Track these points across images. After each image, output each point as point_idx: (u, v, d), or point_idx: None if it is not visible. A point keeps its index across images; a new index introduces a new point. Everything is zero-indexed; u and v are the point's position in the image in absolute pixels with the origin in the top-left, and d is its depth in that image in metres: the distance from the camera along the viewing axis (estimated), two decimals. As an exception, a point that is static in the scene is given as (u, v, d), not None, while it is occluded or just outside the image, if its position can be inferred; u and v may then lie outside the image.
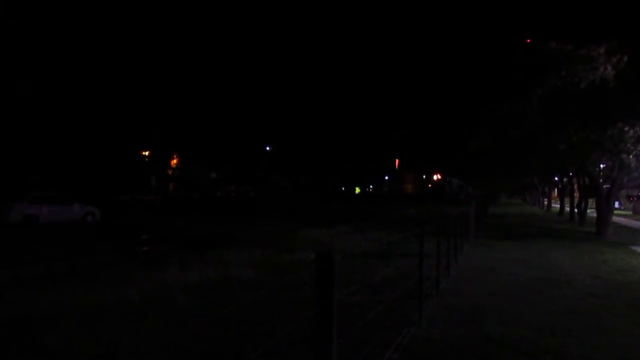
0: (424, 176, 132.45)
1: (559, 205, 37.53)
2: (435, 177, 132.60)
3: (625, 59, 14.27)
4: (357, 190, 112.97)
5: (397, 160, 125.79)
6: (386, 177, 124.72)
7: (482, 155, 28.38)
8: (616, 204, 31.60)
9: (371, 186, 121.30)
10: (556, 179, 36.56)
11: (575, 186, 30.28)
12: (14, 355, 4.94)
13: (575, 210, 28.15)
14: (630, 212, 38.78)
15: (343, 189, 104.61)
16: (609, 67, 14.28)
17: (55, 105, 38.06)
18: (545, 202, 47.53)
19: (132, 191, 50.21)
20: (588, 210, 26.69)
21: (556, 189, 42.32)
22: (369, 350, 4.52)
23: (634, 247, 15.14)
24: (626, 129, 14.65)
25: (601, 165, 20.74)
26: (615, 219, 22.11)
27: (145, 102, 46.86)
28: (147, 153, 57.65)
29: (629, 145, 15.72)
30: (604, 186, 19.92)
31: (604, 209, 18.88)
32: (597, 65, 14.31)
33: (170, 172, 66.66)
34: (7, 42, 33.18)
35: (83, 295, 7.05)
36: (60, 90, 38.45)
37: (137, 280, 8.07)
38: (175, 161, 66.38)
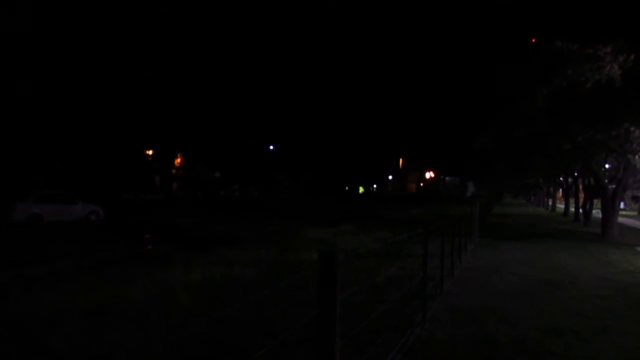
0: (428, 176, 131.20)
1: (563, 206, 37.38)
2: (428, 175, 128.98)
3: (632, 58, 14.17)
4: (361, 189, 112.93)
5: (401, 160, 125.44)
6: (390, 177, 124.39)
7: (487, 154, 28.29)
8: (621, 205, 31.45)
9: (375, 186, 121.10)
10: (561, 179, 36.42)
11: (580, 186, 30.14)
12: (16, 354, 4.93)
13: (580, 210, 28.02)
14: (635, 213, 38.58)
15: (347, 188, 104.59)
16: (616, 67, 14.18)
17: (59, 104, 38.15)
18: (550, 203, 47.34)
19: (136, 190, 50.35)
20: (593, 211, 26.56)
21: (561, 189, 42.14)
22: (373, 351, 4.49)
23: (639, 248, 15.04)
24: (632, 129, 14.56)
25: (606, 166, 20.62)
26: (620, 219, 21.99)
27: (149, 101, 46.91)
28: (151, 152, 57.76)
29: (634, 145, 15.62)
30: (609, 187, 19.81)
31: (609, 210, 18.78)
32: (604, 65, 14.21)
33: (174, 171, 66.77)
34: (9, 41, 33.28)
35: (86, 294, 7.05)
36: (64, 89, 38.54)
37: (140, 279, 8.06)
38: (179, 160, 66.47)
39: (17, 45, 33.93)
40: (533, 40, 18.57)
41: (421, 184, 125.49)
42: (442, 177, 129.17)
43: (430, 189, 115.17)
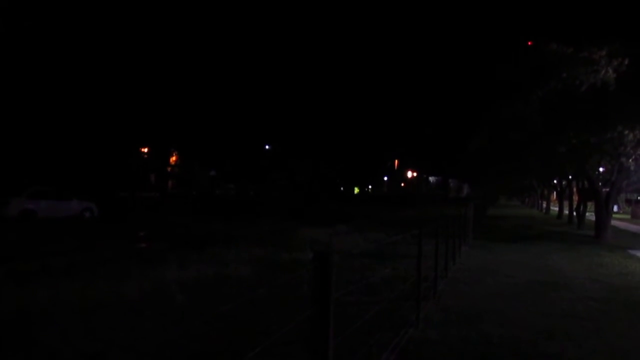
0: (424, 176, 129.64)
1: (557, 208, 37.52)
2: (409, 174, 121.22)
3: (627, 61, 14.23)
4: (356, 190, 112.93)
5: (396, 161, 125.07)
6: (385, 178, 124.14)
7: (481, 156, 28.36)
8: (615, 208, 31.58)
9: (370, 186, 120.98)
10: (555, 181, 36.55)
11: (575, 189, 30.27)
12: (8, 351, 4.91)
13: (574, 213, 28.14)
14: (628, 216, 38.77)
15: (342, 188, 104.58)
16: (610, 70, 14.24)
17: (54, 100, 37.99)
18: (544, 205, 47.52)
19: (131, 188, 50.15)
20: (587, 214, 26.67)
21: (555, 192, 42.31)
22: (366, 351, 4.50)
23: (632, 251, 15.12)
24: (626, 132, 14.62)
25: (600, 169, 20.71)
26: (613, 222, 22.08)
27: (144, 99, 46.81)
28: (146, 150, 57.58)
29: (628, 148, 15.71)
30: (603, 189, 19.90)
31: (603, 213, 18.86)
32: (598, 68, 14.27)
33: (169, 169, 66.62)
34: (7, 37, 33.14)
35: (80, 291, 7.02)
36: (60, 86, 38.38)
37: (135, 277, 8.04)
38: (174, 158, 66.33)
39: (14, 42, 33.78)
40: (529, 42, 18.62)
41: (402, 184, 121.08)
42: (424, 176, 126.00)
43: (412, 190, 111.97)
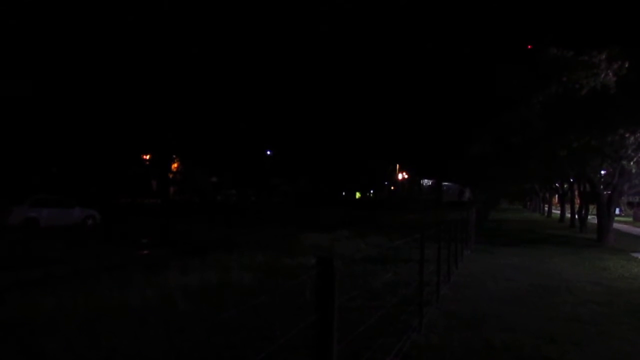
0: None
1: (559, 212, 37.49)
2: (400, 177, 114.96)
3: (627, 65, 14.27)
4: (358, 195, 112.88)
5: (397, 165, 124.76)
6: (386, 182, 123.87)
7: (482, 160, 28.38)
8: (617, 211, 31.55)
9: (372, 191, 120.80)
10: (557, 185, 36.54)
11: (576, 192, 30.25)
12: (13, 359, 4.93)
13: (576, 216, 28.11)
14: (631, 219, 38.71)
15: (343, 194, 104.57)
16: (610, 74, 14.28)
17: (56, 107, 38.09)
18: (546, 208, 47.48)
19: (133, 195, 50.19)
20: (589, 217, 26.65)
21: (557, 195, 42.26)
22: (369, 356, 4.51)
23: (634, 254, 15.10)
24: (627, 135, 14.66)
25: (602, 172, 20.72)
26: (616, 225, 22.07)
27: (146, 105, 46.85)
28: (148, 156, 57.58)
29: (629, 151, 15.74)
30: (605, 192, 19.90)
31: (605, 216, 18.86)
32: (599, 72, 14.30)
33: (171, 175, 66.55)
34: (8, 41, 33.26)
35: (83, 299, 7.04)
36: (62, 92, 38.48)
37: (138, 284, 8.06)
38: (176, 165, 66.29)
39: (16, 46, 33.92)
40: (529, 46, 18.69)
41: (392, 188, 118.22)
42: (417, 179, 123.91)
43: (403, 194, 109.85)
